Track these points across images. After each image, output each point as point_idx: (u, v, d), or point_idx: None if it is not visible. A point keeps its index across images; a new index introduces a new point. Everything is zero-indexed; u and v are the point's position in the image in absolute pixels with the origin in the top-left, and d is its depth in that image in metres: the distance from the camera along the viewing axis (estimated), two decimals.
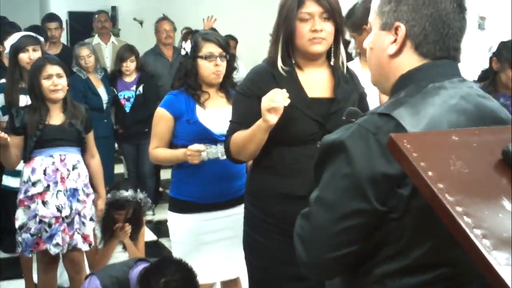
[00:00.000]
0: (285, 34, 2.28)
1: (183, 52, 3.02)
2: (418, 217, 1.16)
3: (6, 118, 3.60)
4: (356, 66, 4.26)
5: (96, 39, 6.56)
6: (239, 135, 2.33)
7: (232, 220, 2.94)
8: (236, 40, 6.58)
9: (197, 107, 2.92)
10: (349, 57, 4.24)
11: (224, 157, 2.67)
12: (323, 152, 1.27)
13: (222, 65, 2.91)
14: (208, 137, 2.87)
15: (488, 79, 3.24)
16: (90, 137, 3.51)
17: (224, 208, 2.96)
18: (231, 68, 3.02)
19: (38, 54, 3.79)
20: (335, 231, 1.22)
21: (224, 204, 2.95)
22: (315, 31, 2.24)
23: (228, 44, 3.08)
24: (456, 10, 1.28)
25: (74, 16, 12.87)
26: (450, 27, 1.27)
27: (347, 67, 2.43)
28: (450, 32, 1.27)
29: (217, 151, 2.85)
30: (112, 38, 6.63)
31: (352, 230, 1.21)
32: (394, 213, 1.18)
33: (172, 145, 2.99)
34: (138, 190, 3.53)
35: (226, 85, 3.00)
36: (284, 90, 2.17)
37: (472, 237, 0.86)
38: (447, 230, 1.06)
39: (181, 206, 2.99)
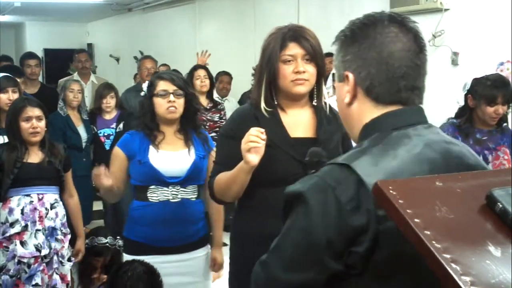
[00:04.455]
0: (268, 75, 2.30)
1: (142, 94, 3.01)
2: (380, 273, 1.15)
3: None
4: (333, 102, 4.30)
5: (76, 77, 6.53)
6: (223, 177, 2.33)
7: (189, 265, 2.89)
8: (230, 76, 6.45)
9: (151, 147, 2.86)
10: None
11: (176, 200, 2.81)
12: (286, 202, 1.26)
13: (177, 101, 2.85)
14: (158, 179, 2.83)
15: (465, 116, 3.30)
16: (69, 176, 3.50)
17: (178, 252, 2.87)
18: (192, 108, 2.95)
19: (16, 96, 3.78)
20: (289, 283, 1.20)
21: (178, 248, 2.87)
22: (298, 73, 2.26)
23: (186, 83, 3.02)
24: (405, 49, 1.26)
25: (50, 53, 12.88)
26: (397, 67, 1.25)
27: (330, 108, 2.43)
28: (398, 72, 1.25)
29: None
30: (92, 77, 6.60)
31: (307, 284, 1.19)
32: (354, 270, 1.16)
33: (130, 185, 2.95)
34: (118, 237, 3.49)
35: (186, 127, 2.95)
36: (259, 128, 2.16)
37: (461, 284, 0.87)
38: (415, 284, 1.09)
39: (134, 248, 2.91)
